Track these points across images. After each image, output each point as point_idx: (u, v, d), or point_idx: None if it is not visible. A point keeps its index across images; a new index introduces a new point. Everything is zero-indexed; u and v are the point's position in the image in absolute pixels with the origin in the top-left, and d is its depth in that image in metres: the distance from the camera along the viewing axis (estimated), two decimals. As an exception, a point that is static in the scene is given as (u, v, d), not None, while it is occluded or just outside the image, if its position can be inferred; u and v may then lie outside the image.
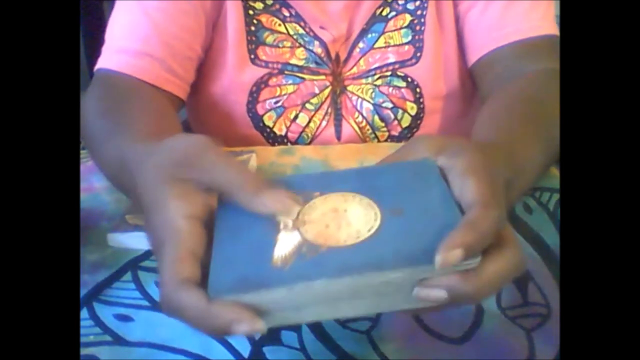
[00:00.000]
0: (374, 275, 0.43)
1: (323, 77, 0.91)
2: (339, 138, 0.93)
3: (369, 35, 0.90)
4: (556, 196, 0.74)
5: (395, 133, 0.93)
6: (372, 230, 0.45)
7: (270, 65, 0.89)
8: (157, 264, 0.47)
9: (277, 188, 0.47)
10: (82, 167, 0.80)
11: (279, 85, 0.90)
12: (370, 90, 0.91)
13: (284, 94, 0.90)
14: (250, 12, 0.89)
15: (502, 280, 0.45)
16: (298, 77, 0.90)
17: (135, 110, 0.74)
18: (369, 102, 0.91)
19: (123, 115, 0.72)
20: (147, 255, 0.66)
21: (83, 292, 0.62)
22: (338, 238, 0.45)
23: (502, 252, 0.45)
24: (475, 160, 0.48)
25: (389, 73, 0.91)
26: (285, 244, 0.45)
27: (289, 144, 0.93)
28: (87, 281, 0.63)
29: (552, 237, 0.67)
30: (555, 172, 0.76)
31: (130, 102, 0.77)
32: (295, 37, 0.90)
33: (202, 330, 0.44)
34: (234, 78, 0.89)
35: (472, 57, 0.88)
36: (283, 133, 0.92)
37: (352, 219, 0.46)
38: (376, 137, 0.93)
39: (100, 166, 0.70)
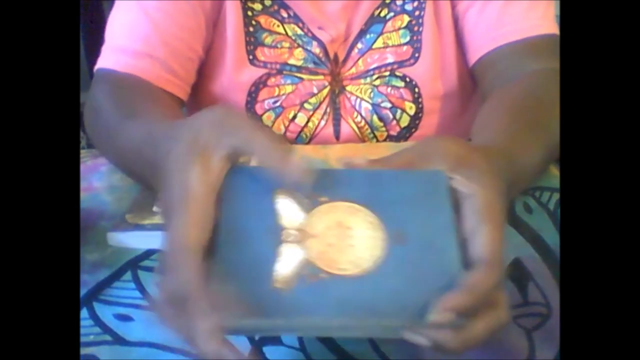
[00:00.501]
0: (368, 321, 0.44)
1: (321, 77, 0.91)
2: (337, 138, 0.93)
3: (368, 36, 0.90)
4: (556, 196, 0.74)
5: (393, 133, 0.93)
6: (374, 261, 0.46)
7: (268, 65, 0.90)
8: (165, 221, 0.47)
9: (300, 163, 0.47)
10: (82, 167, 0.80)
11: (278, 85, 0.90)
12: (369, 90, 0.91)
13: (283, 94, 0.90)
14: (249, 13, 0.89)
15: (486, 338, 0.45)
16: (296, 77, 0.90)
17: (146, 101, 0.75)
18: (367, 102, 0.91)
19: (136, 103, 0.73)
20: (147, 255, 0.66)
21: (83, 292, 0.62)
22: (339, 264, 0.45)
23: (491, 312, 0.45)
24: (491, 198, 0.47)
25: (387, 73, 0.91)
26: (288, 260, 0.45)
27: (287, 143, 0.93)
28: (87, 281, 0.63)
29: (552, 237, 0.67)
30: (555, 172, 0.76)
31: (138, 94, 0.77)
32: (293, 37, 0.90)
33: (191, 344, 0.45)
34: (233, 78, 0.90)
35: (472, 58, 0.88)
36: (282, 132, 0.92)
37: (356, 240, 0.46)
38: (375, 136, 0.93)
39: (114, 151, 0.71)
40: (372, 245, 0.46)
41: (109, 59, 0.83)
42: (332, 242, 0.46)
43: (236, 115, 0.49)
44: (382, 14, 0.90)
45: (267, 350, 0.55)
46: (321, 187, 0.48)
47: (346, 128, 0.93)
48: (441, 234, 0.47)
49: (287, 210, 0.47)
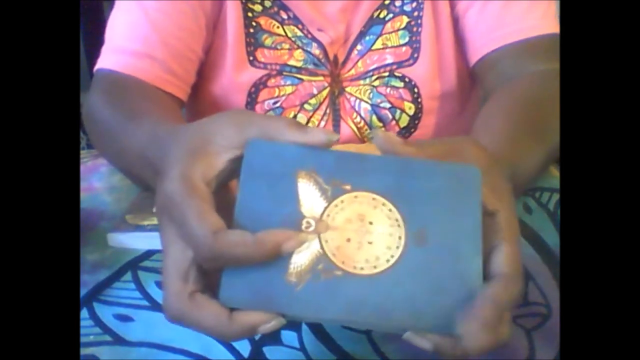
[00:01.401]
0: (377, 323, 0.44)
1: (321, 78, 0.91)
2: (337, 138, 0.93)
3: (367, 38, 0.91)
4: (556, 196, 0.74)
5: (393, 133, 0.93)
6: (391, 262, 0.44)
7: (268, 66, 0.90)
8: (174, 217, 0.44)
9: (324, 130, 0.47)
10: (82, 167, 0.80)
11: (278, 86, 0.90)
12: (368, 91, 0.91)
13: (283, 95, 0.90)
14: (249, 14, 0.89)
15: (485, 352, 0.44)
16: (296, 78, 0.90)
17: (147, 102, 0.74)
18: (367, 102, 0.92)
19: (137, 105, 0.72)
20: (147, 255, 0.66)
21: (83, 292, 0.62)
22: (355, 262, 0.44)
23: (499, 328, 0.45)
24: (511, 218, 0.47)
25: (386, 74, 0.91)
26: (304, 252, 0.44)
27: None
28: (87, 281, 0.63)
29: (552, 237, 0.67)
30: (555, 172, 0.76)
31: (139, 96, 0.77)
32: (293, 39, 0.90)
33: (220, 335, 0.44)
34: (233, 79, 0.90)
35: (473, 58, 0.88)
36: None
37: (375, 237, 0.44)
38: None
39: (114, 152, 0.70)
40: (391, 243, 0.44)
41: (108, 59, 0.83)
42: (350, 237, 0.44)
43: (248, 112, 0.48)
44: (382, 15, 0.90)
45: (267, 350, 0.55)
46: (346, 172, 0.46)
47: (346, 129, 0.93)
48: (465, 239, 0.45)
49: (308, 196, 0.45)
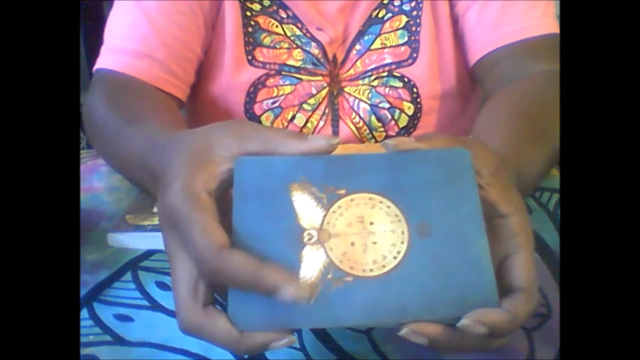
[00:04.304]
0: (395, 324, 0.43)
1: (320, 78, 0.91)
2: (336, 139, 0.93)
3: (366, 37, 0.91)
4: (556, 196, 0.74)
5: (392, 133, 0.94)
6: (398, 259, 0.44)
7: (267, 66, 0.90)
8: (179, 230, 0.44)
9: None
10: (82, 167, 0.80)
11: (276, 86, 0.90)
12: (367, 91, 0.91)
13: (281, 95, 0.90)
14: (248, 13, 0.89)
15: (477, 351, 0.45)
16: (295, 77, 0.90)
17: (146, 104, 0.74)
18: (365, 102, 0.92)
19: (137, 107, 0.72)
20: (147, 255, 0.66)
21: (83, 292, 0.62)
22: (364, 264, 0.43)
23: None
24: (525, 221, 0.46)
25: (385, 74, 0.91)
26: (311, 264, 0.43)
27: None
28: (87, 281, 0.63)
29: (552, 237, 0.67)
30: (555, 172, 0.76)
31: (138, 97, 0.77)
32: (292, 38, 0.90)
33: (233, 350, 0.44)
34: (232, 79, 0.90)
35: (473, 58, 0.88)
36: None
37: (379, 237, 0.44)
38: (373, 137, 0.94)
39: (113, 155, 0.70)
40: (395, 240, 0.44)
41: (108, 59, 0.83)
42: (354, 241, 0.44)
43: (248, 123, 0.48)
44: (380, 15, 0.91)
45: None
46: (338, 177, 0.46)
47: (345, 129, 0.93)
48: (467, 222, 0.45)
49: (305, 207, 0.45)
